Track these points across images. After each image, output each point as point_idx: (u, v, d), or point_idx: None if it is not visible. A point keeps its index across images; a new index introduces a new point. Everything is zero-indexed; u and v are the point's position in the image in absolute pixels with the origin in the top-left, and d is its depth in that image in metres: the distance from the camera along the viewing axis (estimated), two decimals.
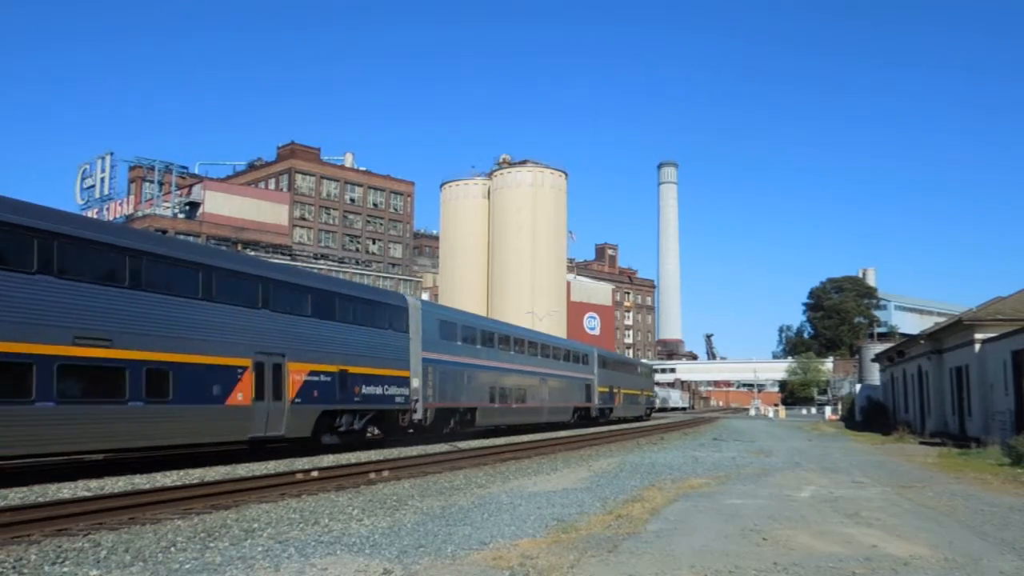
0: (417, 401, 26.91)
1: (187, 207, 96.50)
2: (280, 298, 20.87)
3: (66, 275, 15.26)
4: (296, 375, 20.92)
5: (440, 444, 25.92)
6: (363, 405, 23.89)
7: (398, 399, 25.74)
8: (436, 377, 28.32)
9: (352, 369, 23.22)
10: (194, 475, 15.87)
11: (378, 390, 24.67)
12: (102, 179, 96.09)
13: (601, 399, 48.95)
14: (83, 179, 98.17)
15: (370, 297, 26.36)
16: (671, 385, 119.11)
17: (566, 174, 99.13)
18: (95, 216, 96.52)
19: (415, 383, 26.82)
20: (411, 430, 27.27)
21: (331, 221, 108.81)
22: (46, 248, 14.98)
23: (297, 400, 20.81)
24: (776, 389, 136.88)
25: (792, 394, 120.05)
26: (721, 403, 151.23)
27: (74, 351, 15.11)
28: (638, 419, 57.95)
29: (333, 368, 22.39)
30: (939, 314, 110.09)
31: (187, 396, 17.60)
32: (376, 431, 25.39)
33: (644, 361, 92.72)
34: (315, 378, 21.64)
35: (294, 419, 20.65)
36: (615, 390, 52.39)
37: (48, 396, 14.58)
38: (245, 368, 19.26)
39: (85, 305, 15.57)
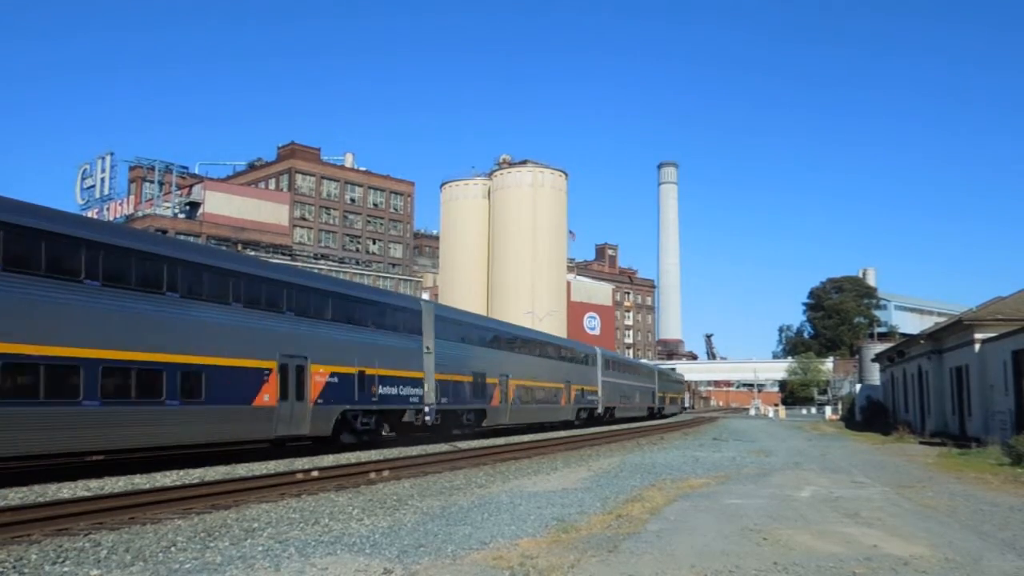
0: (598, 402, 48.81)
1: (187, 207, 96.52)
2: (568, 356, 44.86)
3: (502, 349, 35.55)
4: (572, 392, 43.51)
5: (440, 444, 25.93)
6: (586, 405, 46.48)
7: (593, 401, 48.21)
8: (606, 389, 50.38)
9: (585, 388, 46.49)
10: (194, 475, 15.87)
11: (589, 397, 47.27)
12: (102, 179, 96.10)
13: (658, 401, 69.44)
14: (83, 179, 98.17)
15: (585, 351, 49.75)
16: None
17: (566, 174, 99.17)
18: (95, 215, 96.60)
19: (599, 393, 49.22)
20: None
21: (331, 221, 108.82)
22: (501, 338, 36.28)
23: (572, 403, 43.41)
24: (776, 389, 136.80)
25: (792, 394, 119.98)
26: (721, 403, 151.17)
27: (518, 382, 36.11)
28: (674, 415, 76.45)
29: (579, 388, 45.06)
30: (939, 314, 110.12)
31: (544, 401, 39.47)
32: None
33: (678, 372, 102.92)
34: (577, 393, 44.47)
35: (571, 411, 43.37)
36: (664, 394, 72.79)
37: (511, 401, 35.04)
38: (562, 390, 41.87)
39: (503, 359, 34.86)
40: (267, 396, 19.99)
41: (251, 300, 19.83)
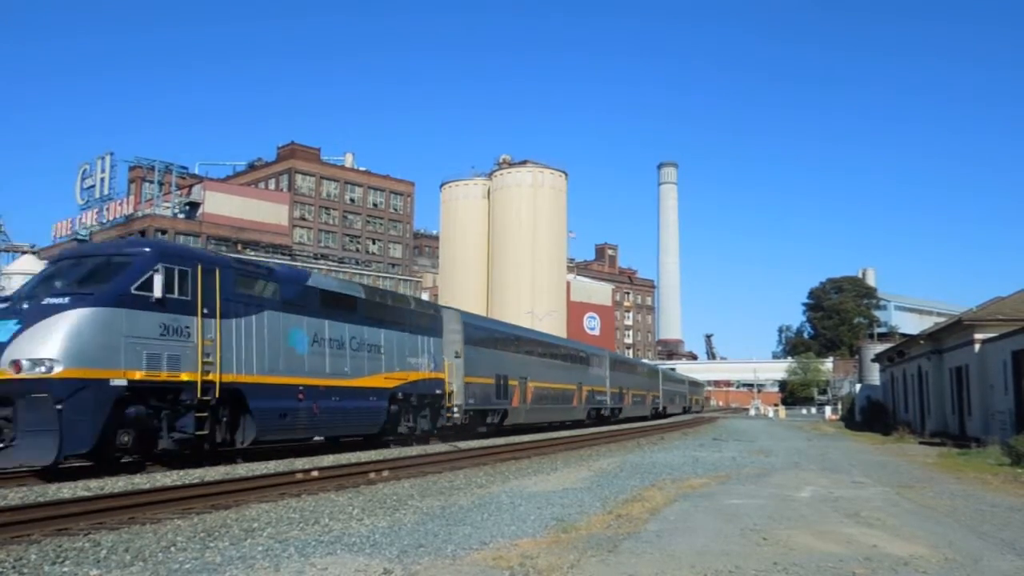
0: (660, 403, 66.58)
1: (187, 207, 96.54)
2: (648, 374, 65.18)
3: (627, 372, 56.83)
4: (650, 397, 61.97)
5: (440, 444, 25.92)
6: (655, 406, 63.79)
7: (657, 403, 65.51)
8: (663, 395, 68.36)
9: (655, 394, 64.83)
10: (194, 475, 15.86)
11: (656, 400, 64.44)
12: (102, 179, 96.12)
13: (688, 402, 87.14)
14: (83, 179, 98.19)
15: (654, 369, 70.33)
16: None
17: (566, 174, 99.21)
18: (95, 215, 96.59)
19: (660, 398, 67.21)
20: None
21: (331, 221, 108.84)
22: (627, 365, 59.34)
23: (650, 404, 61.79)
24: (776, 389, 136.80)
25: (792, 394, 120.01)
26: (721, 403, 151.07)
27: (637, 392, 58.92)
28: (697, 412, 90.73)
29: (652, 394, 63.63)
30: (939, 314, 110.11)
31: (640, 403, 58.83)
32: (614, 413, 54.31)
33: (700, 379, 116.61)
34: (652, 397, 62.91)
35: (649, 409, 61.75)
36: (691, 396, 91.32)
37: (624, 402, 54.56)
38: (646, 396, 60.55)
39: (627, 378, 55.96)
40: (576, 402, 42.44)
41: (571, 360, 42.82)
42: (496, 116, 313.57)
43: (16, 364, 13.31)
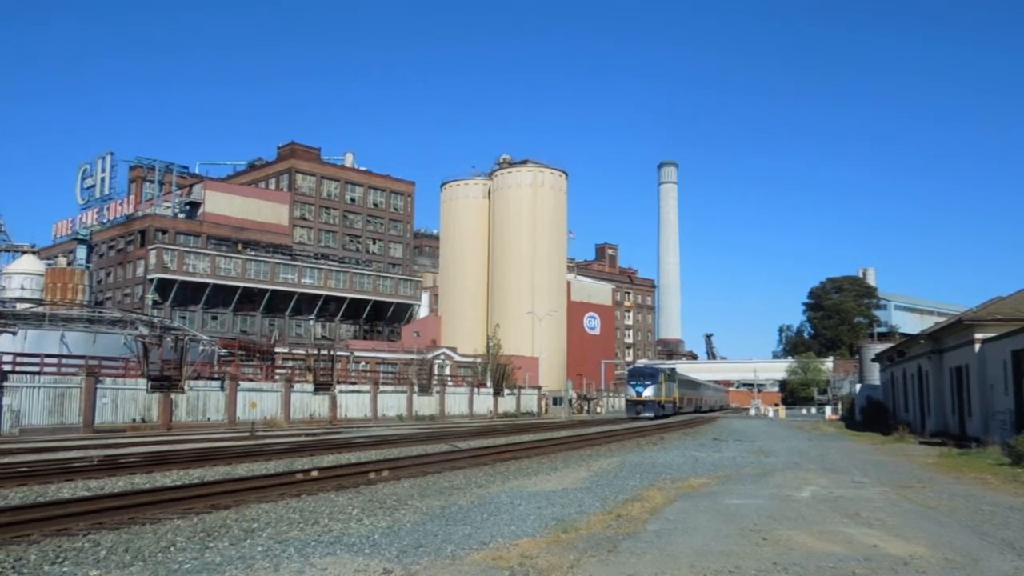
0: (717, 405, 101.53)
1: (187, 207, 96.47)
2: (705, 386, 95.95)
3: (705, 388, 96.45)
4: (712, 400, 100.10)
5: (440, 444, 25.93)
6: (713, 406, 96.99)
7: (712, 404, 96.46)
8: (711, 398, 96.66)
9: (711, 399, 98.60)
10: (194, 475, 15.87)
11: (710, 402, 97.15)
12: (102, 179, 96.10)
13: (723, 402, 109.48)
14: (83, 179, 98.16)
15: (705, 382, 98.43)
16: None
17: (566, 174, 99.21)
18: (95, 215, 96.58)
19: (712, 398, 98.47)
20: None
21: (331, 221, 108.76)
22: (703, 384, 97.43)
23: (712, 404, 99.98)
24: (776, 389, 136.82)
25: (792, 394, 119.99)
26: None
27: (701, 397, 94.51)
28: (722, 409, 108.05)
29: (709, 399, 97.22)
30: (939, 314, 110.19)
31: (710, 403, 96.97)
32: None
33: (720, 385, 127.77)
34: (709, 400, 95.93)
35: (710, 407, 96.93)
36: (722, 399, 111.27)
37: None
38: (708, 400, 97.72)
39: (703, 390, 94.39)
40: (694, 404, 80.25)
41: (692, 384, 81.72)
42: (496, 116, 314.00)
43: (646, 396, 61.88)
